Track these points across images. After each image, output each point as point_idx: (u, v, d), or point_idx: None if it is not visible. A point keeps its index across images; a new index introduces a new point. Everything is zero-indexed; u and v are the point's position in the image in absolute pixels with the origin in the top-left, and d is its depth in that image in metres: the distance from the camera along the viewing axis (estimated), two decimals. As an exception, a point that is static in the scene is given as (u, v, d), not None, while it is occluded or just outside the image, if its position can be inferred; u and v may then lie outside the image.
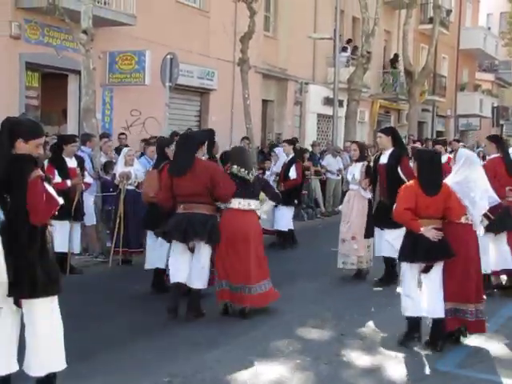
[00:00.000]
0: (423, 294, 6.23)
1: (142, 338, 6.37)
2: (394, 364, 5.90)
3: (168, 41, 15.94)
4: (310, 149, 17.91)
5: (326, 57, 23.66)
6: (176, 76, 13.60)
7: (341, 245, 9.30)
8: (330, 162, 16.69)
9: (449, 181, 6.39)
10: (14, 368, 4.53)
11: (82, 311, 7.11)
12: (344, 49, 24.01)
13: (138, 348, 6.09)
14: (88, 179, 9.65)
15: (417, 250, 6.14)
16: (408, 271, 6.28)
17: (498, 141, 8.81)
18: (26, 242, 4.34)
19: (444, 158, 11.35)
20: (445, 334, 6.32)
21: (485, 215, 6.80)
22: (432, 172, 6.20)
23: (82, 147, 10.39)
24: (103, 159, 11.15)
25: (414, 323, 6.36)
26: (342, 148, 18.68)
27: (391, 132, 8.85)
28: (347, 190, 9.58)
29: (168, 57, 13.50)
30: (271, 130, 22.09)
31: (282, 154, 12.44)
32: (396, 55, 28.30)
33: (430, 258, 6.15)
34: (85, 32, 10.93)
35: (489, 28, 41.25)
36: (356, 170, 9.14)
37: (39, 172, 4.39)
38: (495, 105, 37.46)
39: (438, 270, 6.21)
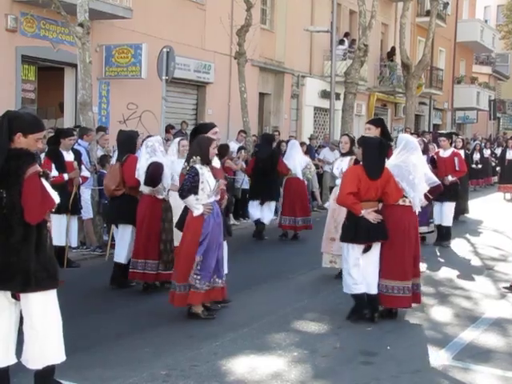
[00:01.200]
0: (362, 272, 6.72)
1: (139, 331, 6.38)
2: (391, 356, 5.92)
3: (164, 34, 15.90)
4: (308, 142, 17.90)
5: (323, 50, 23.63)
6: (172, 69, 13.58)
7: (328, 244, 8.91)
8: (327, 156, 16.68)
9: (388, 164, 6.77)
10: (12, 360, 4.54)
11: (79, 304, 7.11)
12: (341, 42, 23.98)
13: (135, 341, 6.10)
14: (85, 173, 9.64)
15: (358, 232, 6.59)
16: (350, 251, 6.71)
17: None
18: (20, 238, 4.30)
19: (448, 152, 11.36)
20: (386, 310, 6.93)
21: (425, 196, 7.08)
22: (376, 157, 6.62)
23: (79, 141, 10.37)
24: (100, 153, 11.14)
25: (361, 300, 6.79)
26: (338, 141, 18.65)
27: (381, 124, 8.52)
28: (334, 186, 9.20)
29: (164, 50, 13.47)
30: (268, 123, 22.06)
31: None
32: (393, 48, 28.27)
33: (370, 239, 6.63)
34: (81, 25, 10.90)
35: (486, 21, 41.25)
36: (344, 165, 8.60)
37: (37, 168, 4.32)
38: (492, 98, 37.48)
39: (376, 250, 6.72)
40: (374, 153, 6.63)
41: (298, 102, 23.18)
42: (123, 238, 8.15)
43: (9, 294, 4.43)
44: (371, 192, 6.59)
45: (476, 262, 10.39)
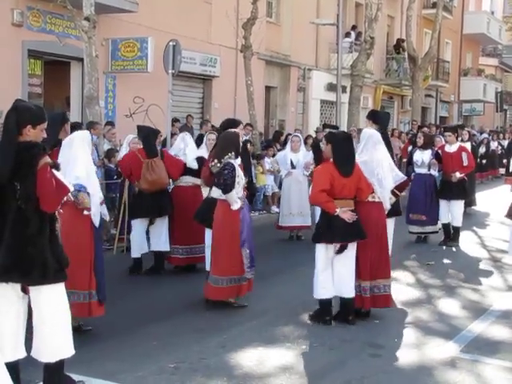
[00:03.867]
0: (336, 275, 6.44)
1: (146, 325, 6.40)
2: (399, 349, 5.93)
3: (170, 28, 15.88)
4: (314, 135, 17.87)
5: (329, 42, 23.55)
6: (179, 63, 13.55)
7: None
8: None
9: (356, 161, 6.59)
10: (21, 354, 4.55)
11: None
12: (347, 34, 23.90)
13: (143, 335, 6.12)
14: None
15: (333, 231, 6.28)
16: (322, 252, 6.42)
17: None
18: (36, 229, 4.32)
19: (455, 147, 10.83)
20: (355, 310, 6.61)
21: (392, 192, 6.95)
22: (346, 153, 6.32)
23: (88, 135, 10.36)
24: (106, 146, 11.14)
25: (326, 305, 6.55)
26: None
27: (371, 116, 8.55)
28: None
29: (170, 44, 13.45)
30: (274, 116, 22.03)
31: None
32: (399, 40, 28.16)
33: (345, 238, 6.32)
34: (87, 19, 10.90)
35: (492, 12, 40.96)
36: None
37: (47, 159, 4.34)
38: (499, 90, 37.32)
39: (351, 251, 6.40)
40: (342, 148, 6.33)
41: (304, 95, 23.13)
42: (164, 228, 8.60)
43: (18, 287, 4.43)
44: (346, 190, 6.28)
45: (483, 254, 10.36)
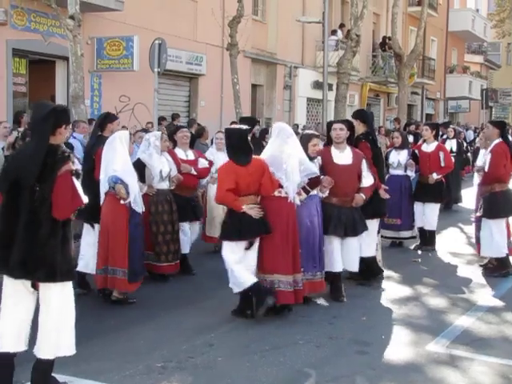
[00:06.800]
0: (244, 268, 6.49)
1: (133, 324, 6.39)
2: (386, 345, 5.95)
3: (156, 26, 15.85)
4: (300, 133, 17.86)
5: (315, 40, 23.60)
6: (164, 61, 13.53)
7: None
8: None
9: (264, 154, 6.69)
10: (21, 348, 4.62)
11: (76, 299, 7.08)
12: (333, 32, 23.93)
13: (130, 334, 6.10)
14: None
15: (242, 229, 6.39)
16: (234, 249, 6.48)
17: (503, 126, 8.70)
18: (49, 231, 4.43)
19: (433, 146, 10.16)
20: (280, 306, 6.62)
21: (304, 189, 6.87)
22: (240, 146, 6.46)
23: (74, 134, 10.33)
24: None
25: (246, 298, 6.57)
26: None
27: (359, 115, 8.30)
28: None
29: (156, 42, 13.42)
30: (261, 114, 22.04)
31: None
32: (385, 38, 28.24)
33: (253, 234, 6.45)
34: (72, 18, 10.86)
35: (477, 10, 41.17)
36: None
37: (70, 166, 4.48)
38: (484, 87, 37.49)
39: (254, 245, 6.52)
40: (236, 140, 6.50)
41: (290, 92, 23.16)
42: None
43: (29, 283, 4.53)
44: (251, 186, 6.39)
45: (469, 250, 10.41)
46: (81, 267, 7.22)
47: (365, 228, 7.47)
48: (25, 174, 4.40)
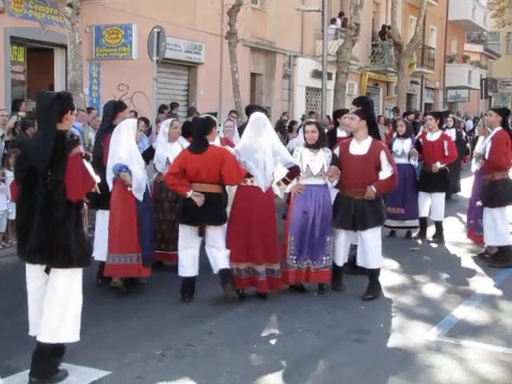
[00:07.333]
0: (188, 257, 6.71)
1: (132, 312, 6.41)
2: (384, 334, 5.97)
3: (155, 14, 15.76)
4: (300, 122, 17.85)
5: (315, 29, 23.49)
6: (163, 50, 13.47)
7: None
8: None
9: (238, 144, 6.81)
10: (34, 332, 4.73)
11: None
12: (332, 21, 23.84)
13: (129, 322, 6.12)
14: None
15: (184, 213, 6.68)
16: (183, 232, 6.72)
17: (506, 114, 8.67)
18: (63, 214, 4.54)
19: (437, 135, 10.12)
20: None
21: (284, 181, 6.91)
22: (198, 135, 6.66)
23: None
24: (92, 134, 11.07)
25: (184, 283, 6.79)
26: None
27: (360, 102, 7.90)
28: None
29: (155, 30, 13.36)
30: (260, 103, 21.93)
31: None
32: (385, 27, 28.15)
33: (195, 222, 6.61)
34: (70, 5, 10.81)
35: (477, -1, 41.02)
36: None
37: (79, 149, 4.59)
38: (484, 76, 37.40)
39: (220, 229, 6.69)
40: (195, 128, 6.76)
41: (289, 82, 23.09)
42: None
43: (43, 268, 4.65)
44: (203, 173, 6.52)
45: (468, 239, 10.41)
46: (98, 257, 7.21)
47: (377, 223, 7.03)
48: (37, 162, 4.52)
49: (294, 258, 6.98)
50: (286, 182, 6.93)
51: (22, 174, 4.66)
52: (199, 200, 6.50)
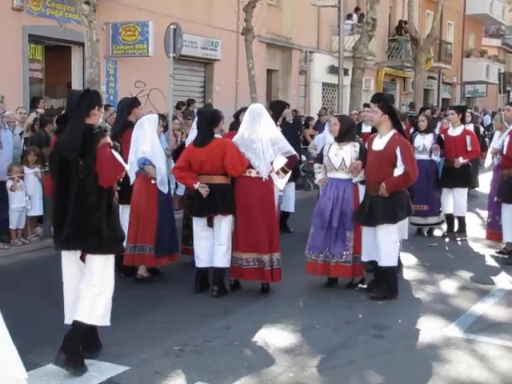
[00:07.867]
0: (208, 247, 6.81)
1: (151, 309, 6.43)
2: (403, 330, 5.95)
3: (171, 11, 15.79)
4: (316, 118, 17.80)
5: (331, 25, 23.42)
6: (180, 46, 13.45)
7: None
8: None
9: (236, 136, 6.87)
10: (69, 321, 4.89)
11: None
12: (349, 16, 23.74)
13: (147, 318, 6.14)
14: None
15: (193, 205, 6.83)
16: (195, 224, 6.88)
17: None
18: (95, 201, 4.76)
19: (459, 130, 9.92)
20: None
21: (282, 170, 6.95)
22: (203, 128, 6.80)
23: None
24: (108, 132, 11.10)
25: (201, 274, 6.90)
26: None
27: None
28: None
29: (171, 27, 13.34)
30: (276, 99, 21.95)
31: None
32: (401, 22, 27.98)
33: (203, 213, 6.75)
34: (87, 3, 10.84)
35: (495, -7, 40.65)
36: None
37: (107, 139, 4.84)
38: (502, 71, 37.09)
39: (225, 223, 6.75)
40: (201, 124, 6.84)
41: (306, 78, 23.04)
42: None
43: (78, 254, 4.85)
44: (205, 165, 6.65)
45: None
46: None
47: (388, 220, 6.72)
48: (67, 152, 4.75)
49: (310, 249, 7.09)
50: (284, 171, 7.02)
51: (55, 167, 4.89)
52: (204, 191, 6.64)
